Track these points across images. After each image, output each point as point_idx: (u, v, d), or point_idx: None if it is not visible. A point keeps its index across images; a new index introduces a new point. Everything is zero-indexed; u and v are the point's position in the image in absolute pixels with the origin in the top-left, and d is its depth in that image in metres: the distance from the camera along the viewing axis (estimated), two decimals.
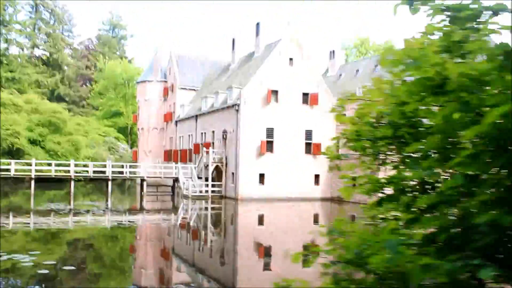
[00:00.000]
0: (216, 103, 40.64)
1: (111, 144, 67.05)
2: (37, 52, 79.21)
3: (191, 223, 24.71)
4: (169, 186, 48.29)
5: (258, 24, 41.96)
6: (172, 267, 14.21)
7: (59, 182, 48.61)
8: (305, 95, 37.96)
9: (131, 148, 73.04)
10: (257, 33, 42.10)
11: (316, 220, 28.29)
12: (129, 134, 77.70)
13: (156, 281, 12.49)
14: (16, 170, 36.49)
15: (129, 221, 24.46)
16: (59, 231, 20.32)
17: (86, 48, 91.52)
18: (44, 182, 40.01)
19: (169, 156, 52.14)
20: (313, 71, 38.53)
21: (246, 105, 35.89)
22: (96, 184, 52.51)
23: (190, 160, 45.66)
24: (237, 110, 36.14)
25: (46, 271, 11.97)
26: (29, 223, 22.37)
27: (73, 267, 12.80)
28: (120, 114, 76.07)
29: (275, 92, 36.89)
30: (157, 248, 17.17)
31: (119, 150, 67.81)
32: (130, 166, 42.84)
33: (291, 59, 37.60)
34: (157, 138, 55.67)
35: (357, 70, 55.98)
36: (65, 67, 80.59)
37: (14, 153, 48.98)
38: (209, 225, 24.72)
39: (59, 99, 76.24)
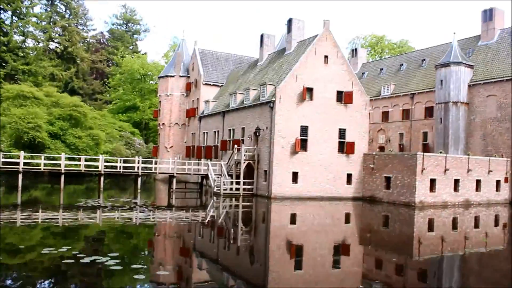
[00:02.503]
0: (247, 100, 40.07)
1: (127, 139, 66.59)
2: (52, 45, 78.52)
3: (229, 221, 24.22)
4: (191, 182, 47.89)
5: (290, 20, 41.40)
6: (215, 266, 13.65)
7: (77, 177, 48.06)
8: (339, 93, 37.43)
9: (145, 143, 72.57)
10: (289, 30, 41.55)
11: (347, 220, 27.81)
12: (143, 129, 77.20)
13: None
14: (35, 164, 35.76)
15: (175, 218, 23.85)
16: (113, 228, 19.82)
17: (98, 42, 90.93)
18: (59, 177, 39.11)
19: (192, 152, 51.66)
20: (347, 69, 37.99)
21: (281, 102, 35.34)
22: (113, 179, 52.04)
23: (216, 157, 45.15)
24: (272, 107, 35.59)
25: (142, 276, 11.46)
26: (76, 219, 21.76)
27: (166, 272, 12.24)
28: (136, 108, 75.56)
29: (309, 90, 36.36)
30: (204, 246, 16.65)
31: (135, 145, 67.35)
32: (158, 162, 42.21)
33: (326, 56, 37.05)
34: (179, 134, 55.16)
35: (381, 69, 55.60)
36: (79, 61, 79.85)
37: (34, 146, 48.44)
38: (248, 223, 24.27)
39: (73, 92, 75.55)
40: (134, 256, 14.46)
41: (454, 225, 25.81)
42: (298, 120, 35.92)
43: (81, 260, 12.49)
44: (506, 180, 38.03)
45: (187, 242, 17.67)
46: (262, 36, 46.39)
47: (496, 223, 27.68)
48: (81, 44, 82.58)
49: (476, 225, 26.25)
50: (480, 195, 36.37)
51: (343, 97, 37.49)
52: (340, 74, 37.48)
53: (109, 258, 12.79)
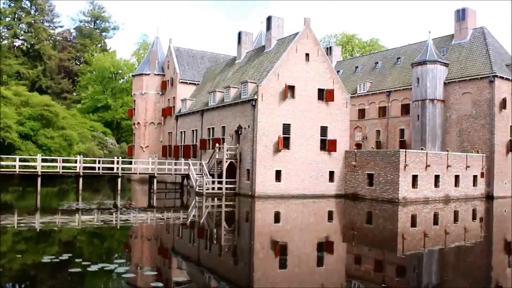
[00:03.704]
0: (228, 98, 39.65)
1: (100, 139, 65.05)
2: (17, 42, 75.80)
3: (219, 221, 23.89)
4: (168, 182, 47.15)
5: (269, 18, 41.16)
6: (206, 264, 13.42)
7: (50, 179, 46.32)
8: (321, 91, 37.50)
9: (118, 143, 71.09)
10: (268, 28, 41.33)
11: (331, 218, 27.89)
12: (115, 128, 75.53)
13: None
14: (5, 166, 34.34)
15: (163, 220, 23.25)
16: (106, 232, 19.20)
17: (64, 39, 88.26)
18: (32, 179, 37.57)
19: (169, 152, 50.82)
20: (328, 67, 38.09)
21: (263, 100, 35.10)
22: (87, 181, 50.50)
23: (194, 156, 44.55)
24: (254, 105, 35.31)
25: (160, 284, 10.97)
26: (65, 223, 20.98)
27: (183, 278, 11.82)
28: (107, 108, 73.84)
29: (291, 88, 36.28)
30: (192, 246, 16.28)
31: (108, 145, 65.88)
32: (137, 163, 41.24)
33: (307, 54, 37.03)
34: (154, 133, 54.20)
35: (356, 67, 56.09)
36: (47, 59, 77.26)
37: (4, 148, 46.57)
38: (235, 222, 24.05)
39: (40, 91, 73.05)
40: (141, 261, 13.92)
41: (438, 220, 26.28)
42: (281, 118, 35.79)
43: (89, 269, 11.87)
44: (482, 175, 39.00)
45: (182, 244, 17.23)
46: (240, 33, 45.99)
47: (474, 217, 28.35)
48: (48, 41, 79.96)
49: (458, 220, 26.80)
50: (459, 190, 37.17)
51: (324, 95, 37.58)
52: (321, 72, 37.55)
53: (117, 265, 12.27)
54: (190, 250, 16.00)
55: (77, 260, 12.90)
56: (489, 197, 39.20)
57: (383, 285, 11.74)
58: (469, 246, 17.97)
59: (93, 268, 11.97)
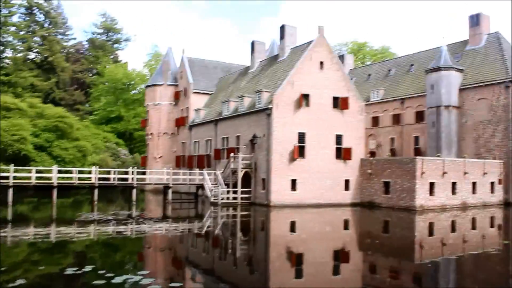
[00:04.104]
0: (242, 107, 39.63)
1: (113, 150, 65.27)
2: (31, 55, 76.63)
3: (238, 231, 23.76)
4: (182, 192, 47.10)
5: (282, 27, 41.23)
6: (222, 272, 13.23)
7: (64, 190, 46.39)
8: (336, 99, 37.36)
9: (130, 153, 71.27)
10: (282, 36, 41.37)
11: (350, 227, 27.50)
12: (128, 139, 75.81)
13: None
14: (20, 178, 34.53)
15: (179, 230, 23.15)
16: (125, 243, 19.17)
17: (77, 51, 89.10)
18: (47, 190, 37.70)
19: (183, 162, 50.83)
20: (342, 75, 37.95)
21: (278, 109, 35.01)
22: (101, 191, 50.46)
23: (208, 166, 44.49)
24: (269, 114, 35.21)
25: None
26: (86, 234, 20.97)
27: None
28: (119, 119, 74.21)
29: (306, 96, 36.18)
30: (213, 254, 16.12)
31: (120, 156, 66.06)
32: (151, 173, 41.30)
33: (321, 62, 36.95)
34: (168, 143, 54.26)
35: (369, 75, 55.85)
36: (60, 71, 77.97)
37: (19, 159, 46.88)
38: (252, 232, 23.94)
39: (54, 103, 73.69)
40: (163, 272, 13.82)
41: (456, 228, 25.85)
42: (296, 127, 35.66)
43: (112, 281, 11.78)
44: (500, 181, 38.46)
45: (202, 255, 17.10)
46: (253, 43, 46.10)
47: (493, 225, 27.82)
48: (61, 54, 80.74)
49: (476, 227, 26.34)
50: (476, 197, 36.67)
51: (339, 103, 37.43)
52: (335, 79, 37.43)
53: (141, 277, 12.16)
54: (209, 260, 15.88)
55: (100, 272, 12.83)
56: (507, 204, 38.60)
57: None
58: (489, 254, 17.61)
59: (117, 280, 11.89)
